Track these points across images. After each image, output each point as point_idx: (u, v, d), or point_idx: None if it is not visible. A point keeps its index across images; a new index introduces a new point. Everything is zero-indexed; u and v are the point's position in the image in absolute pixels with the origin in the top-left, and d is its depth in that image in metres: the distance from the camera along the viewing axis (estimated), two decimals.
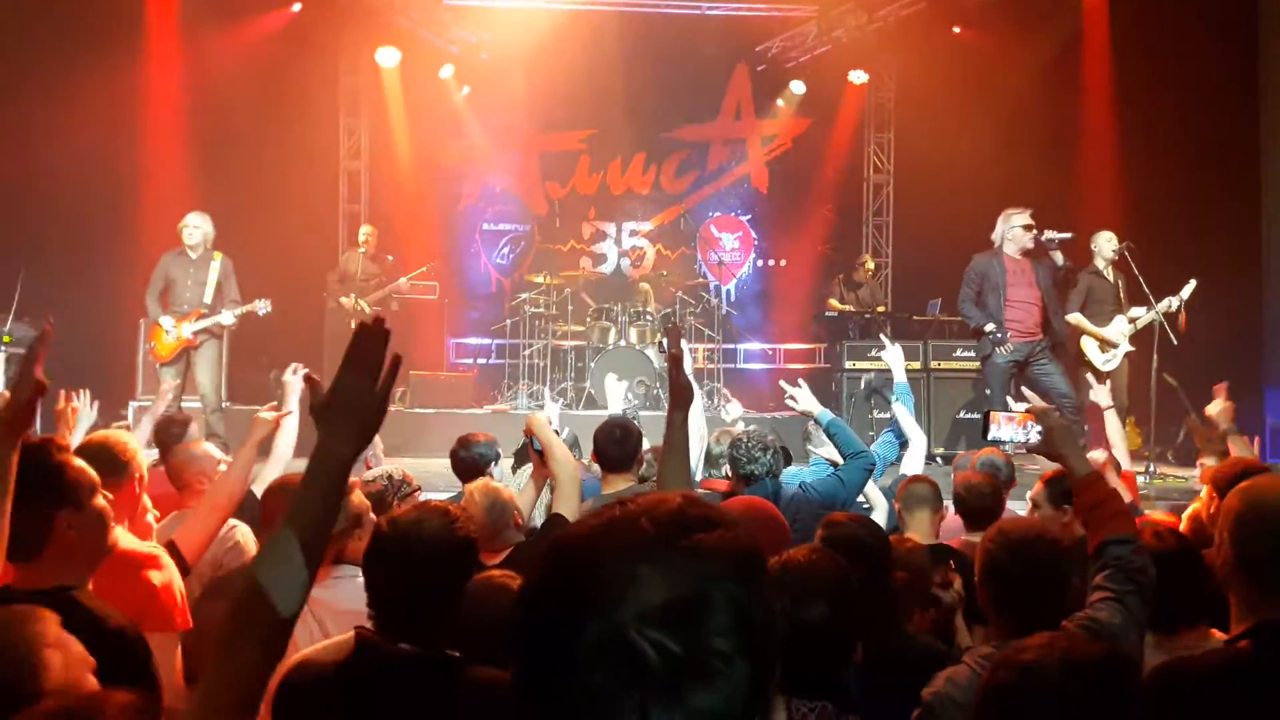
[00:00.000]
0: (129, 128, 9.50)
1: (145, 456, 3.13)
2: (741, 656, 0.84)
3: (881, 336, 7.29)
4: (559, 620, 0.87)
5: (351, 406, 1.49)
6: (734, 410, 6.71)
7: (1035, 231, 7.73)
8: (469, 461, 4.42)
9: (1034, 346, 7.65)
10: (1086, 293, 8.22)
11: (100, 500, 2.29)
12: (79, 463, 2.29)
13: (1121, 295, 8.22)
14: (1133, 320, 8.13)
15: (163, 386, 4.92)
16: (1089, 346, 8.26)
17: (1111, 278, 8.26)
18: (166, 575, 2.71)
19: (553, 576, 0.91)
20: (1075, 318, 8.24)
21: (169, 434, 4.50)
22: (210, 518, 3.08)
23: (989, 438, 2.78)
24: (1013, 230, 7.67)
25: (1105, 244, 8.23)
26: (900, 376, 5.43)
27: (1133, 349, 8.20)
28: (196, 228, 7.97)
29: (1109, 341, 8.20)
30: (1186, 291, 7.87)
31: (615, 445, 4.09)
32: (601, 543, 0.90)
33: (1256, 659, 1.87)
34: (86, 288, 9.15)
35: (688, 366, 2.88)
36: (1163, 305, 7.89)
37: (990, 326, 7.57)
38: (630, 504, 0.94)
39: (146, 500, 3.12)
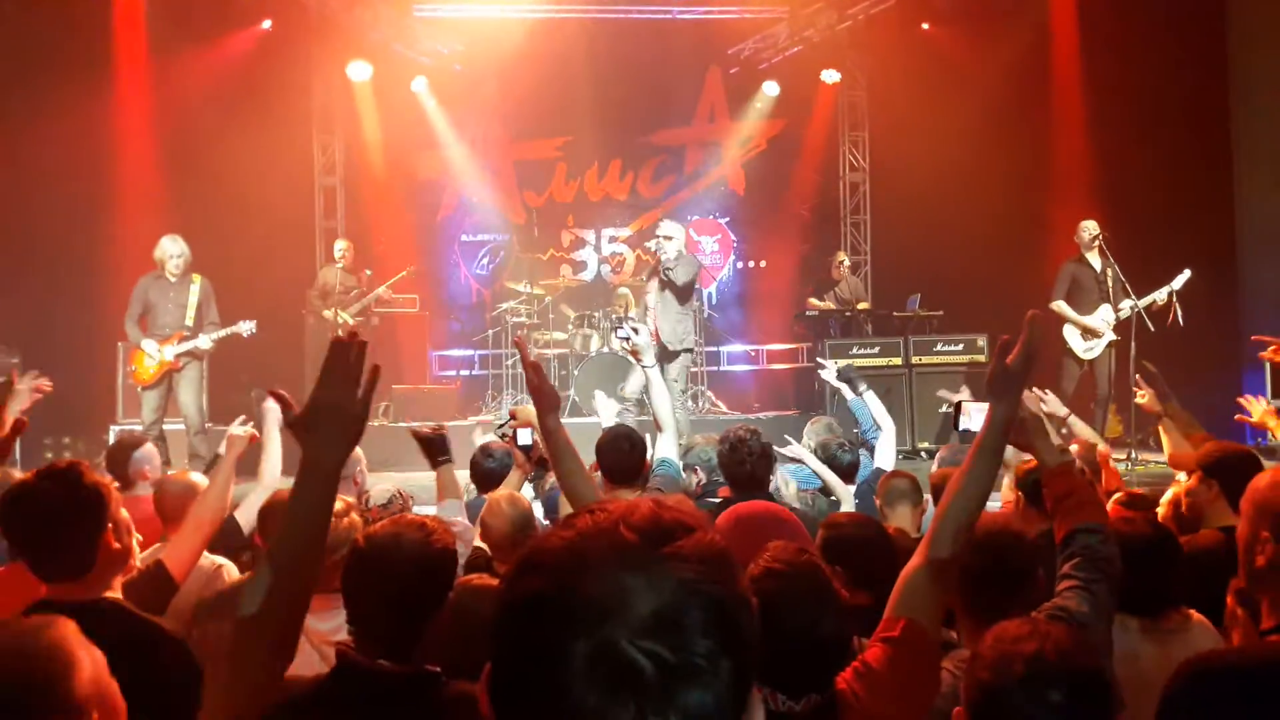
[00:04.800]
0: (103, 152, 9.44)
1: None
2: (725, 654, 0.85)
3: (818, 360, 7.33)
4: (543, 641, 0.84)
5: (330, 415, 1.55)
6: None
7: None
8: (492, 470, 4.43)
9: None
10: (1071, 280, 8.29)
11: None
12: None
13: (1109, 285, 8.22)
14: (1118, 310, 8.16)
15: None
16: (1070, 334, 8.30)
17: (1098, 267, 8.30)
18: None
19: (532, 595, 0.87)
20: (1058, 305, 8.31)
21: (116, 459, 4.51)
22: (195, 535, 3.08)
23: (960, 428, 2.76)
24: None
25: (1084, 232, 8.33)
26: (847, 393, 5.48)
27: (1117, 338, 8.21)
28: (179, 255, 7.87)
29: (1091, 330, 8.24)
30: (1179, 282, 7.88)
31: (623, 457, 3.92)
32: (582, 556, 0.87)
33: None
34: (64, 312, 9.13)
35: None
36: (1151, 296, 7.93)
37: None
38: (600, 512, 0.91)
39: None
